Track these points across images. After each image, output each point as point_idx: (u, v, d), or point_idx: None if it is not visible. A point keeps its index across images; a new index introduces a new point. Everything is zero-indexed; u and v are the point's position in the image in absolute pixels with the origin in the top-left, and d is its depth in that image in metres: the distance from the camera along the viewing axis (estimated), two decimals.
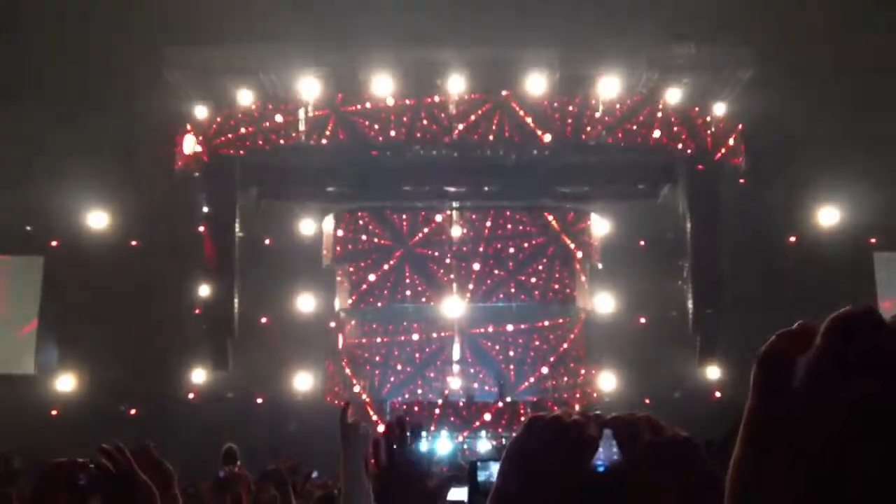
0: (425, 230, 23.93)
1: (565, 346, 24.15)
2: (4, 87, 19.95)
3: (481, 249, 23.82)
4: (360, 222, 24.16)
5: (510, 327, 24.09)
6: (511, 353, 23.97)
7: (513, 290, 23.81)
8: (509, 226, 23.93)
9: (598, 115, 22.06)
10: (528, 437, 1.12)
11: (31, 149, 20.32)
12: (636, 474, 1.06)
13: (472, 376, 23.85)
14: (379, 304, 24.01)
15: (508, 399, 23.28)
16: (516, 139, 22.04)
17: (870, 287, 22.84)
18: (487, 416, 22.67)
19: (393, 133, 22.25)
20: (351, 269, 24.24)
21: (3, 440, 18.78)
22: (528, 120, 21.90)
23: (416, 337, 24.22)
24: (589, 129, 22.03)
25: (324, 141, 22.42)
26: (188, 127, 22.91)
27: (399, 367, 24.00)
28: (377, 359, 24.16)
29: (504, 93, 22.09)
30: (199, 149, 22.68)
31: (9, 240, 23.28)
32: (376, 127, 22.24)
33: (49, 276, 23.36)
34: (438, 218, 24.02)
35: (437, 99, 22.24)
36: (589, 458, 1.07)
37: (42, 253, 23.42)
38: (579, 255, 23.94)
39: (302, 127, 22.24)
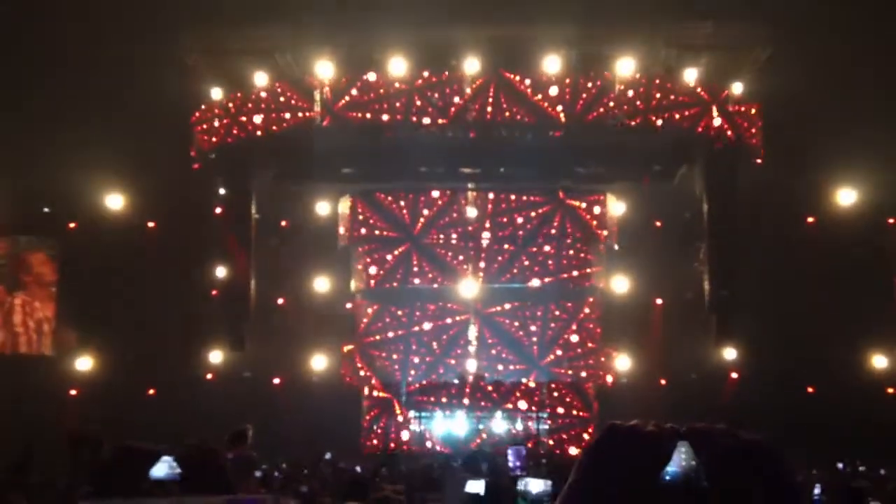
0: (441, 212, 23.95)
1: (582, 326, 24.16)
2: (22, 70, 20.00)
3: (497, 230, 23.83)
4: (376, 204, 24.19)
5: (526, 308, 24.14)
6: (527, 334, 24.02)
7: (528, 271, 23.83)
8: (524, 207, 23.91)
9: (614, 94, 21.89)
10: (607, 444, 1.13)
11: (49, 131, 20.37)
12: (715, 480, 1.06)
13: (490, 357, 23.93)
14: (395, 286, 24.07)
15: (524, 380, 23.36)
16: (532, 120, 21.92)
17: (888, 269, 22.70)
18: (505, 397, 22.77)
19: (409, 113, 22.14)
20: (367, 251, 24.30)
21: (23, 421, 19.01)
22: (544, 100, 21.78)
23: (432, 319, 24.28)
24: (605, 109, 21.87)
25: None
26: (205, 109, 22.95)
27: (416, 349, 24.08)
28: (394, 340, 24.23)
29: (520, 73, 21.96)
30: (215, 131, 22.72)
31: (27, 221, 23.43)
32: (395, 105, 22.11)
33: (67, 257, 23.50)
34: (453, 199, 24.04)
35: (452, 79, 22.12)
36: (662, 469, 1.09)
37: (60, 234, 23.55)
38: (595, 236, 23.91)
39: (317, 109, 22.18)
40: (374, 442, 22.90)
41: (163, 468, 2.16)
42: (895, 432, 18.16)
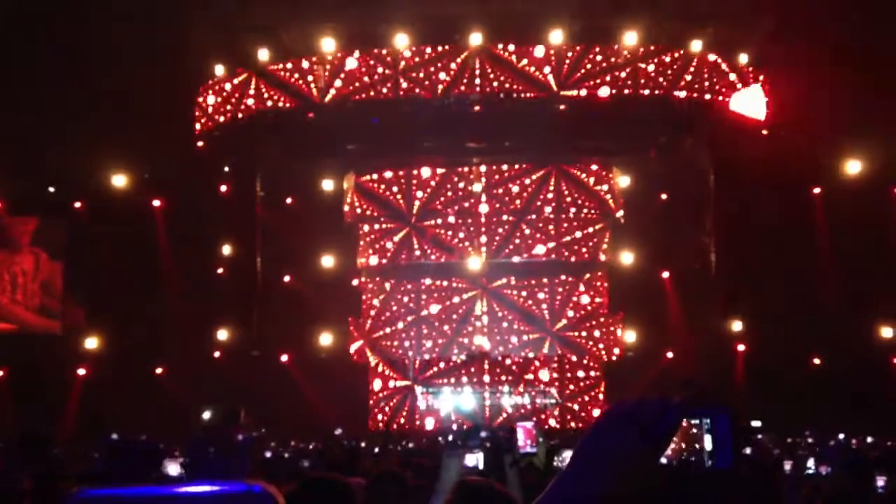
0: (444, 188, 23.93)
1: (588, 299, 24.18)
2: (26, 50, 19.94)
3: (501, 205, 23.80)
4: (381, 180, 24.18)
5: (532, 280, 24.18)
6: (536, 305, 24.07)
7: (536, 244, 23.82)
8: (528, 181, 23.86)
9: (619, 66, 21.72)
10: (606, 422, 1.13)
11: (54, 111, 20.34)
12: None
13: (502, 330, 24.00)
14: (402, 262, 24.10)
15: (531, 355, 23.45)
16: (536, 93, 21.78)
17: (894, 238, 22.61)
18: (512, 372, 22.87)
19: (413, 88, 22.02)
20: (373, 228, 24.32)
21: (33, 399, 19.16)
22: (549, 73, 21.64)
23: (440, 298, 24.34)
24: (610, 80, 21.73)
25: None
26: (209, 86, 22.88)
27: (422, 325, 24.14)
28: (400, 316, 24.30)
29: (524, 46, 21.80)
30: (219, 108, 22.67)
31: (33, 201, 23.45)
32: (398, 81, 21.98)
33: (74, 236, 23.51)
34: (457, 175, 24.01)
35: (456, 54, 21.96)
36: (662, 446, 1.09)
37: (66, 214, 23.55)
38: (602, 208, 23.88)
39: (321, 85, 22.06)
40: (381, 419, 23.03)
41: (174, 468, 2.19)
42: None
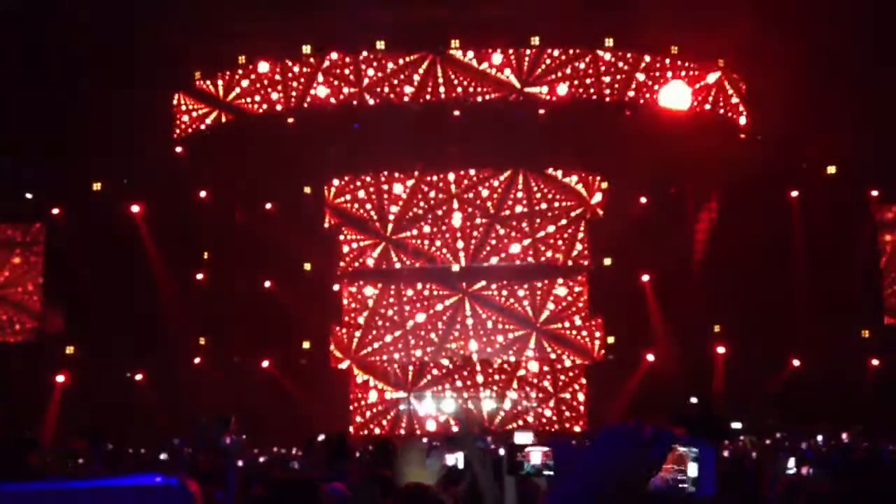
0: (426, 192, 23.95)
1: (568, 303, 24.25)
2: (1, 55, 19.78)
3: (479, 209, 23.84)
4: (360, 185, 24.17)
5: (514, 285, 24.23)
6: (514, 311, 24.12)
7: (517, 249, 23.87)
8: (506, 183, 23.91)
9: (597, 70, 21.82)
10: (602, 445, 1.16)
11: (31, 116, 20.18)
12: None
13: (487, 330, 24.03)
14: (382, 267, 24.09)
15: (512, 359, 23.49)
16: (515, 98, 21.85)
17: (872, 240, 22.83)
18: (495, 376, 22.91)
19: (390, 94, 22.05)
20: (352, 234, 24.29)
21: (12, 407, 18.97)
22: (529, 78, 21.72)
23: (420, 298, 24.34)
24: (588, 84, 21.83)
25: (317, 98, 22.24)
26: (188, 92, 22.79)
27: (404, 329, 24.13)
28: (380, 320, 24.29)
29: (505, 51, 21.87)
30: (198, 113, 22.59)
31: (9, 208, 23.22)
32: (376, 87, 22.03)
33: (52, 243, 23.31)
34: (436, 178, 24.03)
35: (433, 58, 22.00)
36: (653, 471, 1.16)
37: (44, 220, 23.34)
38: (582, 212, 23.95)
39: (299, 89, 22.01)
40: (362, 424, 23.00)
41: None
42: (881, 404, 18.35)
